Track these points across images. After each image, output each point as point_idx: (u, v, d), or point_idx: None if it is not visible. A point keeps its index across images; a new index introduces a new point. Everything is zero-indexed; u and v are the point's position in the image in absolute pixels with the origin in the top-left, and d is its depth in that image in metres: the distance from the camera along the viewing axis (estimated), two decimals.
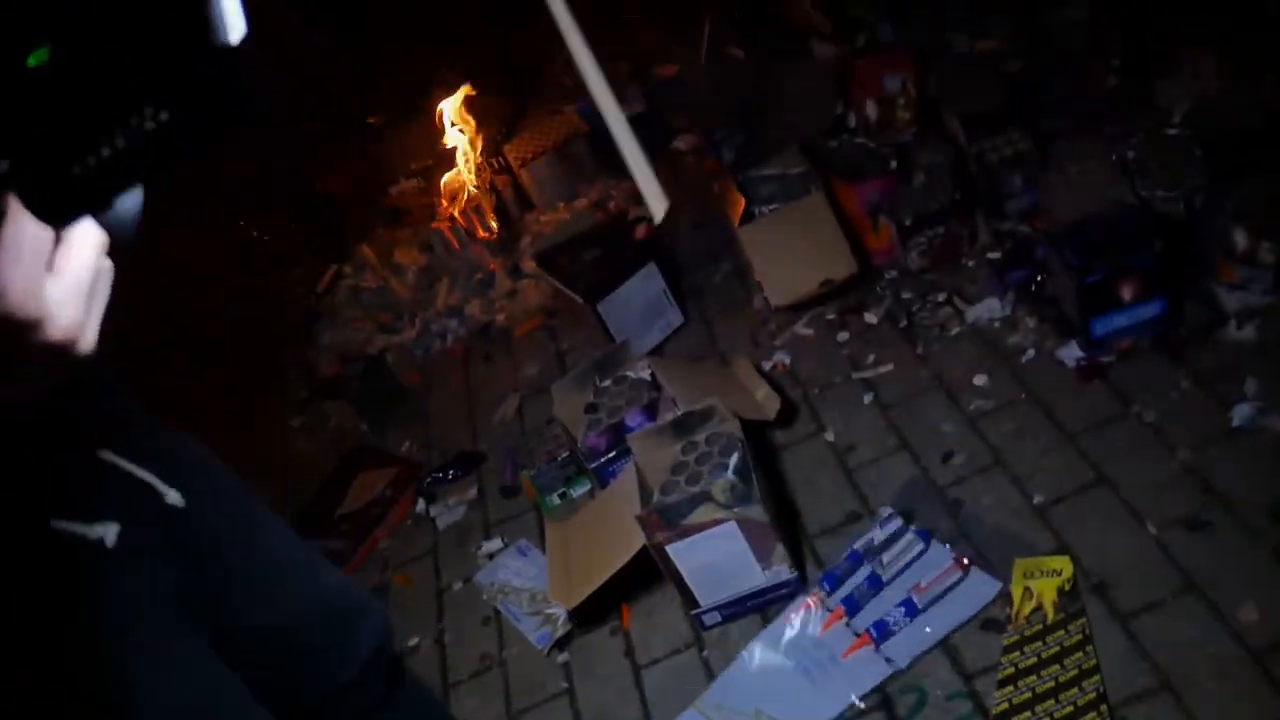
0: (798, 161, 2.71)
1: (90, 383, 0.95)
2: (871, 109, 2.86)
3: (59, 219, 0.55)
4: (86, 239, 0.58)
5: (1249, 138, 2.34)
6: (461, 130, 3.47)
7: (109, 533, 1.02)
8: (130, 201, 0.58)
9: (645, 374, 2.34)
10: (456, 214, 3.40)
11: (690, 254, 3.08)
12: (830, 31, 3.21)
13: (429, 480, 2.78)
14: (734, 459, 1.99)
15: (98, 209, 0.56)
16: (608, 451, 2.23)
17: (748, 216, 2.63)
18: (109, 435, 1.09)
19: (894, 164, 2.66)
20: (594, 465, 2.23)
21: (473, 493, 2.72)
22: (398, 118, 4.17)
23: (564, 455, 2.50)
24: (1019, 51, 2.98)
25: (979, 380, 2.37)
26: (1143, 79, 2.66)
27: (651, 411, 2.20)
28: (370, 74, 4.71)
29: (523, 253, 3.41)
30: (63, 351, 0.57)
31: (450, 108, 3.42)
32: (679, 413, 2.14)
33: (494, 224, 3.39)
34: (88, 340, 0.59)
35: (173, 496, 1.11)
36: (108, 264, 0.59)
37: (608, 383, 2.37)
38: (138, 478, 1.10)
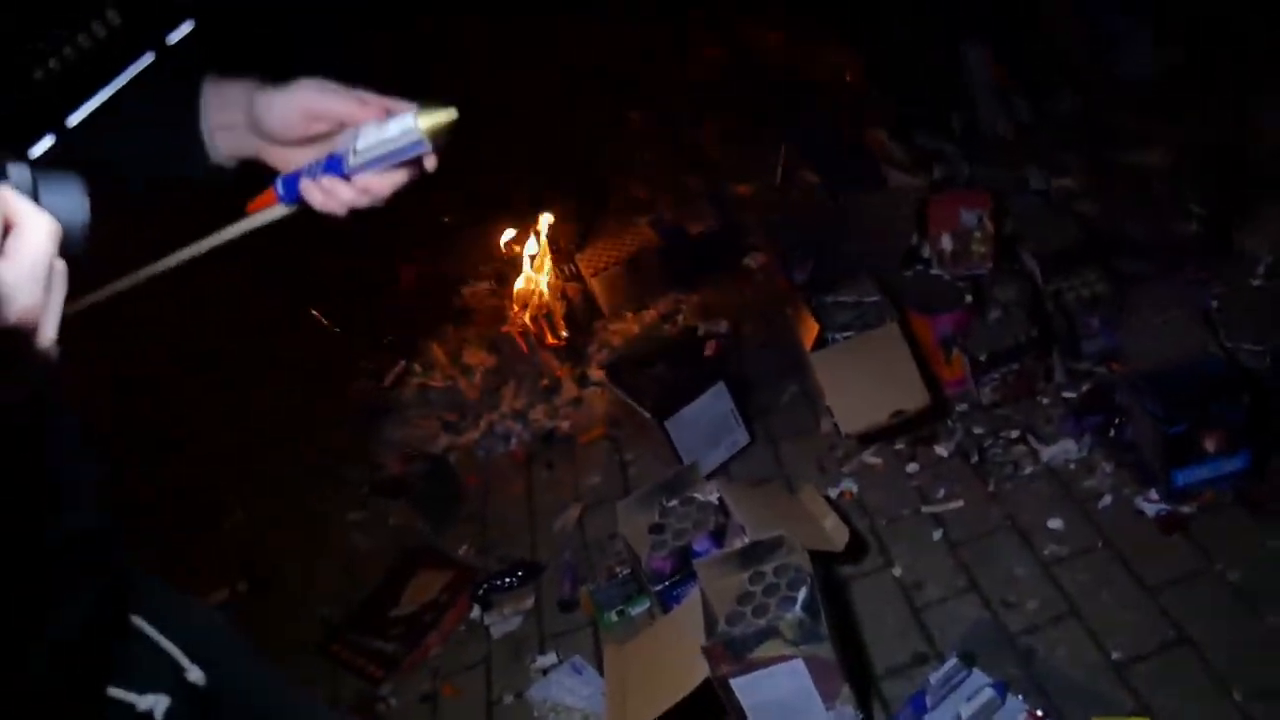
0: (873, 290, 2.72)
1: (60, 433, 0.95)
2: (947, 242, 2.88)
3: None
4: (39, 226, 0.57)
5: None
6: (537, 237, 3.54)
7: (159, 705, 1.00)
8: (77, 204, 0.60)
9: (713, 497, 2.33)
10: (527, 319, 3.45)
11: (758, 373, 3.09)
12: (906, 162, 3.25)
13: (485, 587, 2.76)
14: (802, 593, 1.96)
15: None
16: (672, 575, 2.20)
17: (821, 342, 2.64)
18: (139, 599, 1.07)
19: (969, 298, 2.66)
20: (658, 588, 2.21)
21: (529, 603, 2.70)
22: (472, 218, 4.29)
23: (625, 573, 2.47)
24: (1095, 191, 3.00)
25: (1054, 524, 2.33)
26: (1224, 228, 2.66)
27: (719, 537, 2.18)
28: (447, 170, 4.86)
29: (590, 361, 3.44)
30: (20, 340, 0.56)
31: (537, 223, 3.50)
32: (747, 541, 2.12)
33: (563, 331, 3.42)
34: (46, 334, 0.57)
35: (195, 674, 1.07)
36: (62, 263, 0.58)
37: (674, 503, 2.36)
38: (162, 648, 1.06)
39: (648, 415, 2.71)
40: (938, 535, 2.41)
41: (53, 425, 0.95)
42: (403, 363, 3.82)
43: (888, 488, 2.60)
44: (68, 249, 0.59)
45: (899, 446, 2.68)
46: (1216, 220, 2.69)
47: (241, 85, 1.09)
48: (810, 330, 2.67)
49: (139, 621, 1.06)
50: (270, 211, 1.10)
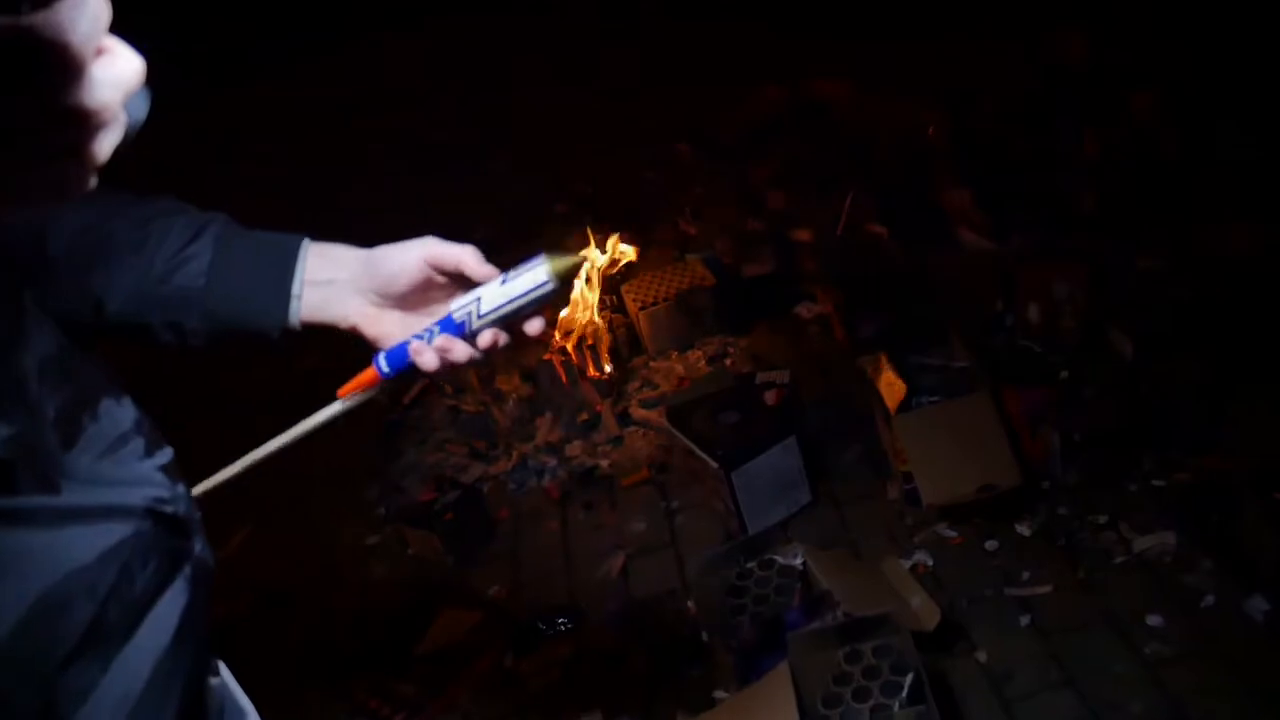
0: (962, 354, 2.58)
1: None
2: (1034, 312, 2.76)
3: None
4: (130, 59, 0.57)
5: None
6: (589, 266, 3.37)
7: None
8: (140, 105, 0.61)
9: (797, 562, 2.16)
10: (570, 348, 3.27)
11: (818, 429, 2.93)
12: (984, 227, 3.14)
13: (522, 632, 2.56)
14: (908, 680, 1.80)
15: None
16: (757, 645, 2.02)
17: (906, 405, 2.49)
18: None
19: (1065, 374, 2.53)
20: (739, 658, 2.02)
21: (569, 653, 2.50)
22: (509, 235, 4.12)
23: (687, 633, 2.29)
24: (1186, 271, 2.90)
25: (1153, 620, 2.18)
26: None
27: (813, 610, 2.01)
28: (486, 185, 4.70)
29: (631, 399, 3.27)
30: (88, 132, 0.55)
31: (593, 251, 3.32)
32: (841, 614, 1.95)
33: (607, 365, 3.25)
34: (105, 146, 0.57)
35: None
36: (124, 113, 0.58)
37: (753, 564, 2.19)
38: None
39: (714, 465, 2.54)
40: (1025, 621, 2.26)
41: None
42: (425, 381, 3.63)
43: (966, 565, 2.44)
44: (126, 138, 0.60)
45: (976, 520, 2.53)
46: None
47: (348, 247, 1.08)
48: (895, 391, 2.52)
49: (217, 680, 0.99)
50: (364, 393, 1.10)
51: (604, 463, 3.09)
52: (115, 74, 0.56)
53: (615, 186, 4.23)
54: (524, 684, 2.46)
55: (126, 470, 0.84)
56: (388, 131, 5.48)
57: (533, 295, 1.05)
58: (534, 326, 1.06)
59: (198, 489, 0.98)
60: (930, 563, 2.46)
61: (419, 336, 1.06)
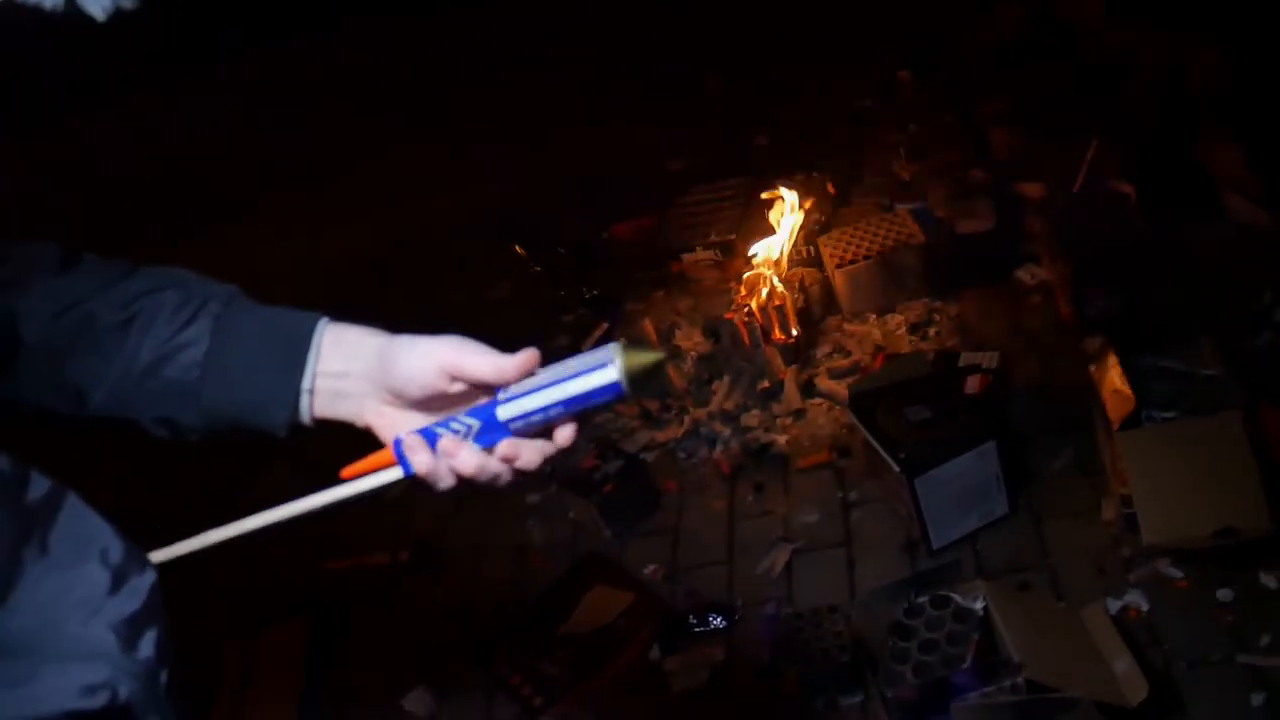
0: (1213, 359, 2.14)
1: None
2: None
3: None
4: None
5: None
6: (789, 214, 3.07)
7: None
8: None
9: (977, 605, 1.86)
10: (754, 306, 3.00)
11: (1026, 425, 2.56)
12: (1260, 194, 2.60)
13: (671, 623, 2.39)
14: None
15: None
16: (917, 704, 1.75)
17: (1134, 419, 2.09)
18: None
19: None
20: (898, 715, 1.76)
21: (719, 657, 2.31)
22: (708, 171, 3.85)
23: (844, 659, 2.05)
24: None
25: None
26: None
27: (989, 674, 1.71)
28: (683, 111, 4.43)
29: (819, 366, 2.98)
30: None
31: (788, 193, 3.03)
32: (1021, 684, 1.65)
33: (795, 328, 2.96)
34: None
35: None
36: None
37: (925, 599, 1.91)
38: None
39: (896, 469, 2.24)
40: (1258, 700, 1.87)
41: None
42: (605, 326, 3.46)
43: (1190, 616, 2.05)
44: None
45: (1210, 564, 2.12)
46: None
47: (368, 330, 0.90)
48: (1121, 401, 2.12)
49: None
50: (379, 476, 0.89)
51: (782, 438, 2.83)
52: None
53: (823, 118, 3.84)
54: (668, 683, 2.30)
55: (65, 641, 0.69)
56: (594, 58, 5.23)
57: (596, 400, 0.85)
58: (565, 435, 0.87)
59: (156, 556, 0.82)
60: (1145, 608, 2.09)
61: (445, 425, 0.87)
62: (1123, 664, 1.82)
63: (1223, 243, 2.53)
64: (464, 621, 2.66)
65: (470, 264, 4.07)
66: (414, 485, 0.88)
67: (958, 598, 1.89)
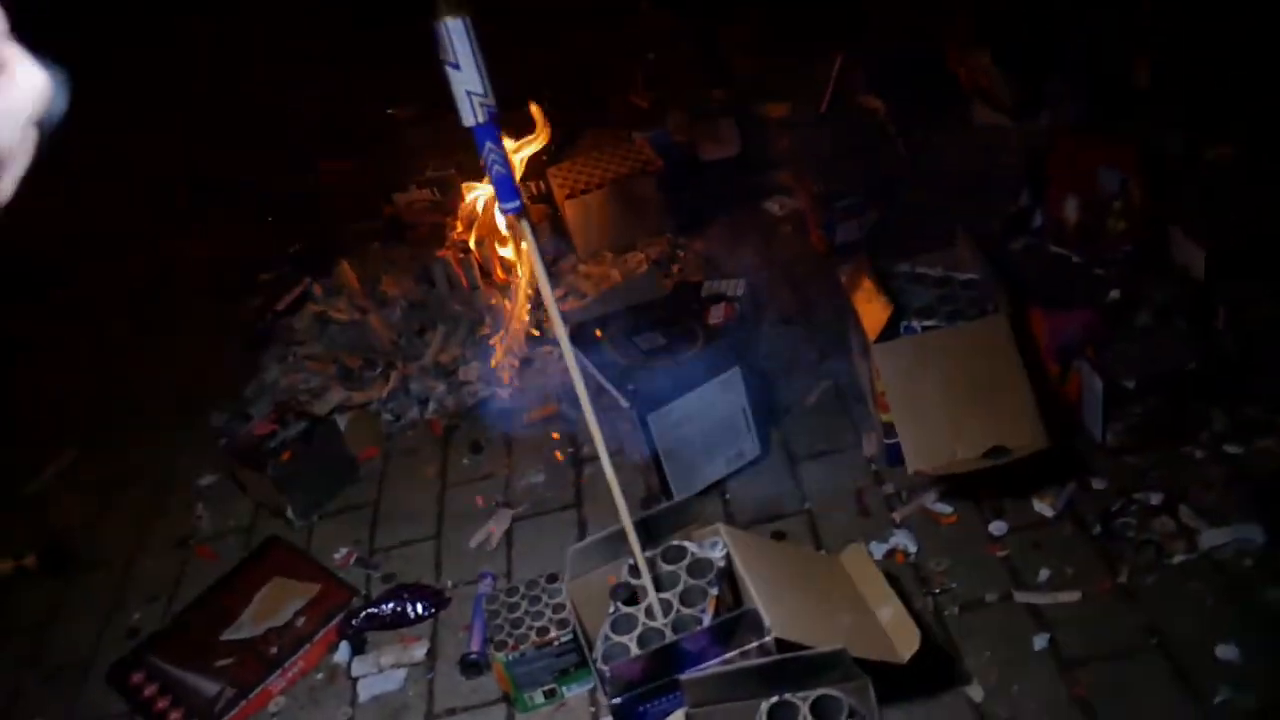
0: (973, 263, 1.87)
1: None
2: (1072, 208, 2.04)
3: None
4: (32, 75, 0.50)
5: None
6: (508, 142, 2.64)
7: None
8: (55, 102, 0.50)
9: (717, 554, 1.49)
10: (472, 243, 2.56)
11: (778, 358, 2.25)
12: (1005, 98, 2.40)
13: (361, 617, 1.91)
14: None
15: None
16: (644, 681, 1.35)
17: (891, 330, 1.78)
18: None
19: (1114, 294, 1.83)
20: (618, 700, 1.35)
21: (419, 653, 1.85)
22: (425, 111, 3.38)
23: (565, 639, 1.63)
24: (1273, 162, 2.17)
25: (1225, 653, 1.52)
26: None
27: (724, 635, 1.33)
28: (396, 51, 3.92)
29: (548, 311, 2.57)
30: None
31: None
32: (771, 645, 1.29)
33: (520, 266, 2.54)
34: (4, 187, 0.50)
35: None
36: (34, 131, 0.50)
37: (654, 554, 1.51)
38: None
39: (625, 404, 1.85)
40: (1041, 643, 1.60)
41: None
42: (307, 280, 2.92)
43: (962, 555, 1.78)
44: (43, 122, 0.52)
45: (980, 492, 1.86)
46: None
47: None
48: (876, 310, 1.82)
49: None
50: None
51: (504, 393, 2.40)
52: (12, 102, 0.49)
53: (554, 41, 3.44)
54: (356, 691, 1.82)
55: None
56: None
57: None
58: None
59: None
60: (912, 550, 1.80)
61: None
62: (889, 613, 1.49)
63: (974, 149, 2.30)
64: (100, 631, 2.08)
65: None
66: None
67: (692, 547, 1.51)
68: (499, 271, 2.55)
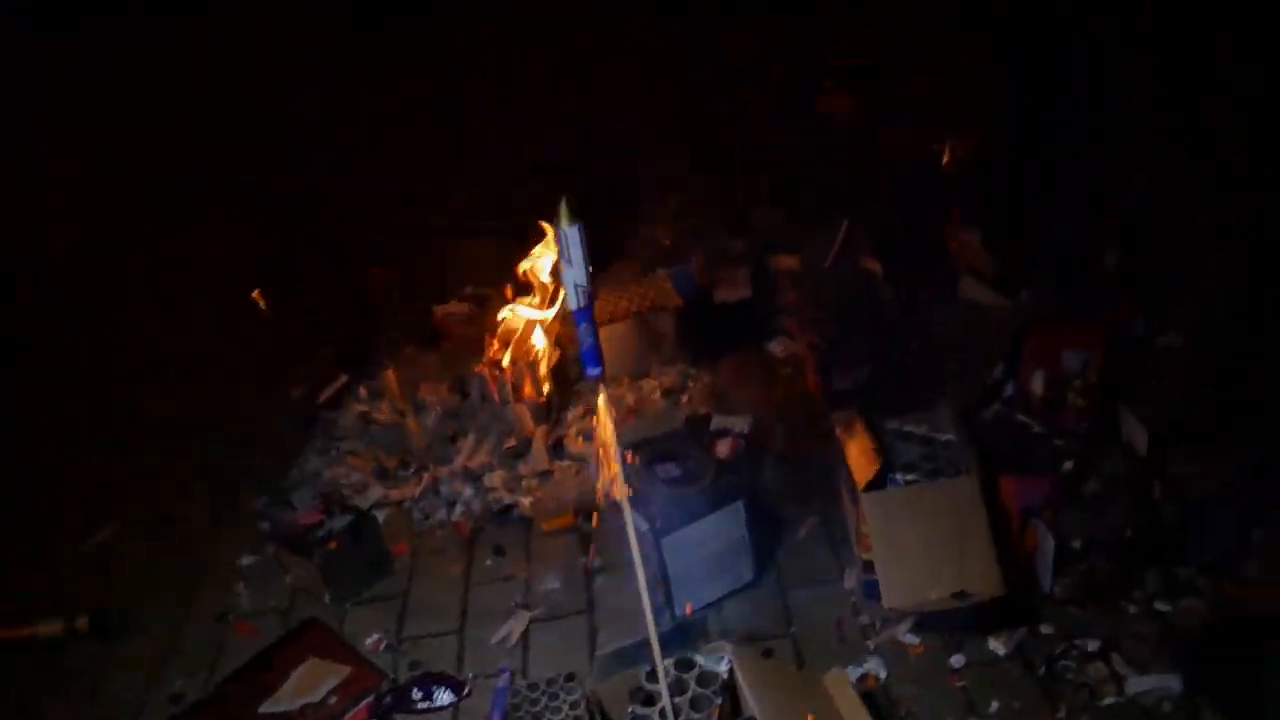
0: (950, 425, 2.17)
1: None
2: (1038, 383, 2.35)
3: None
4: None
5: None
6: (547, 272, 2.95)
7: None
8: None
9: (722, 668, 1.75)
10: (505, 361, 2.86)
11: (771, 491, 2.52)
12: (990, 275, 2.73)
13: (389, 700, 2.14)
14: None
15: None
16: None
17: (879, 481, 2.07)
18: None
19: (1069, 465, 2.13)
20: None
21: None
22: (467, 226, 3.68)
23: None
24: (1216, 351, 2.48)
25: None
26: None
27: None
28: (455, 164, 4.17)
29: (569, 428, 2.85)
30: None
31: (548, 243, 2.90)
32: None
33: (546, 385, 2.84)
34: None
35: None
36: None
37: (668, 663, 1.77)
38: None
39: (644, 528, 2.13)
40: None
41: None
42: (344, 378, 3.20)
43: (925, 682, 2.03)
44: None
45: (945, 628, 2.12)
46: None
47: None
48: (867, 462, 2.11)
49: None
50: None
51: (526, 500, 2.67)
52: None
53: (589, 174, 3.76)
54: None
55: None
56: None
57: None
58: None
59: None
60: (883, 675, 2.05)
61: None
62: None
63: (958, 321, 2.62)
64: (142, 699, 2.30)
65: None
66: None
67: (701, 660, 1.77)
68: (529, 389, 2.83)
